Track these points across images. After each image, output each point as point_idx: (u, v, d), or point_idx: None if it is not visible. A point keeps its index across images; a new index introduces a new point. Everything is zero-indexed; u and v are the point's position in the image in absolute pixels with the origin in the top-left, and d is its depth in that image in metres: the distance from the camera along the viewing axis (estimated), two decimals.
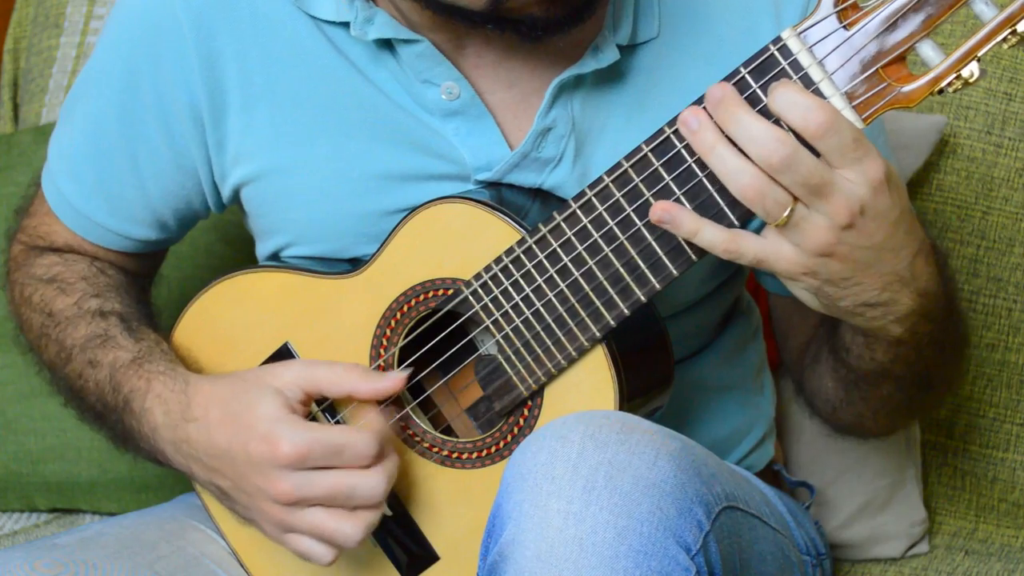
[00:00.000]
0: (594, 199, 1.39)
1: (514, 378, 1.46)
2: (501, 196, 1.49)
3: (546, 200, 1.51)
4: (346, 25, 1.51)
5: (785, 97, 1.29)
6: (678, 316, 1.55)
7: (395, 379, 1.47)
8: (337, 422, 1.53)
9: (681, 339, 1.54)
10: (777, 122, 1.30)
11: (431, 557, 1.53)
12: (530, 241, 1.42)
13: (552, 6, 1.39)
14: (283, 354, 1.55)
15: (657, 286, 1.39)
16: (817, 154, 1.29)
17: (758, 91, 1.32)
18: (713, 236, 1.34)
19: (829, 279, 1.34)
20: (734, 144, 1.31)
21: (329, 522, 1.45)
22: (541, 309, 1.43)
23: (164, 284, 1.84)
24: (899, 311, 1.39)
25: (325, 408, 1.53)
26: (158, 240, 1.66)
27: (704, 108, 1.32)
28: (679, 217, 1.34)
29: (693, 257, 1.38)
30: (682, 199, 1.36)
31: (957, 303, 1.51)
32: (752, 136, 1.29)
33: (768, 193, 1.30)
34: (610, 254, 1.40)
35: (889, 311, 1.38)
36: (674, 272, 1.39)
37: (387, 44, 1.51)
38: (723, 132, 1.31)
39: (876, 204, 1.30)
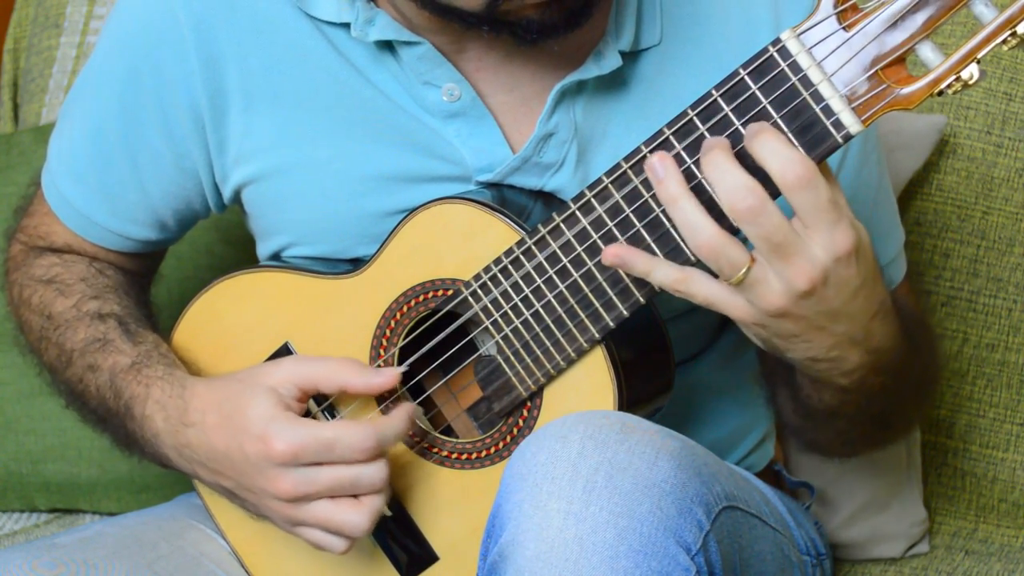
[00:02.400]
0: (593, 200, 1.39)
1: (513, 379, 1.46)
2: (503, 196, 1.49)
3: (548, 201, 1.51)
4: (347, 26, 1.51)
5: (768, 145, 1.28)
6: (678, 319, 1.55)
7: (390, 375, 1.47)
8: None
9: (681, 342, 1.54)
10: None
11: (431, 557, 1.53)
12: (529, 242, 1.42)
13: (548, 10, 1.39)
14: (283, 354, 1.55)
15: (657, 288, 1.39)
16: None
17: (757, 93, 1.32)
18: (665, 276, 1.34)
19: (778, 334, 1.34)
20: (700, 196, 1.31)
21: (336, 515, 1.45)
22: (540, 310, 1.43)
23: (164, 284, 1.84)
24: (846, 367, 1.39)
25: (325, 408, 1.53)
26: (158, 240, 1.66)
27: (669, 155, 1.32)
28: (631, 259, 1.35)
29: (692, 259, 1.37)
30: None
31: (923, 349, 1.51)
32: (725, 181, 1.28)
33: (723, 252, 1.30)
34: None
35: (835, 366, 1.38)
36: None
37: (388, 46, 1.51)
38: (688, 185, 1.31)
39: (838, 274, 1.30)
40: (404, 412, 1.47)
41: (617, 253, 1.35)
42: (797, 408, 1.51)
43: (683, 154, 1.35)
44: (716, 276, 1.33)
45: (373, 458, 1.45)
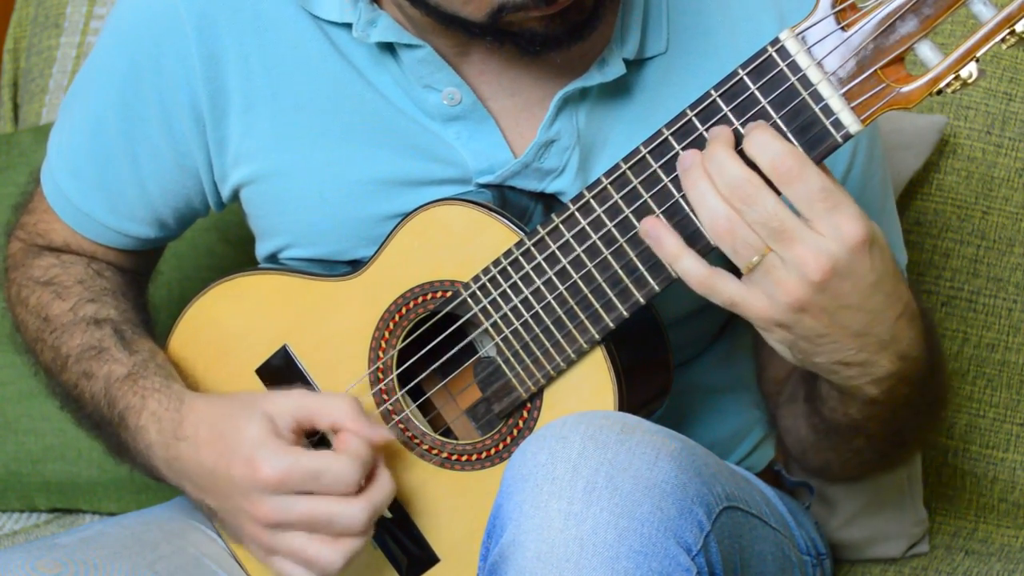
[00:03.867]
0: (592, 201, 1.39)
1: (513, 380, 1.46)
2: (504, 198, 1.49)
3: (549, 202, 1.51)
4: (349, 26, 1.50)
5: (758, 139, 1.29)
6: (677, 325, 1.54)
7: (382, 433, 1.46)
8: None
9: (680, 345, 1.53)
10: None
11: (431, 559, 1.53)
12: (528, 243, 1.42)
13: (552, 22, 1.39)
14: (281, 356, 1.55)
15: (656, 288, 1.39)
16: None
17: (756, 92, 1.32)
18: (691, 267, 1.33)
19: (803, 335, 1.33)
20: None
21: (310, 548, 1.45)
22: (540, 311, 1.43)
23: (164, 284, 1.84)
24: (877, 373, 1.38)
25: None
26: (156, 238, 1.66)
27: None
28: (663, 238, 1.34)
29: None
30: (681, 202, 1.36)
31: (940, 365, 1.50)
32: (724, 171, 1.29)
33: (739, 233, 1.30)
34: (608, 257, 1.40)
35: (866, 372, 1.37)
36: (673, 275, 1.38)
37: (389, 48, 1.50)
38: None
39: (851, 265, 1.29)
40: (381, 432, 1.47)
41: (655, 226, 1.34)
42: (817, 424, 1.50)
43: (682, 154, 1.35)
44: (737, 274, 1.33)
45: (358, 492, 1.44)
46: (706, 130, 1.33)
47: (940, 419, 1.58)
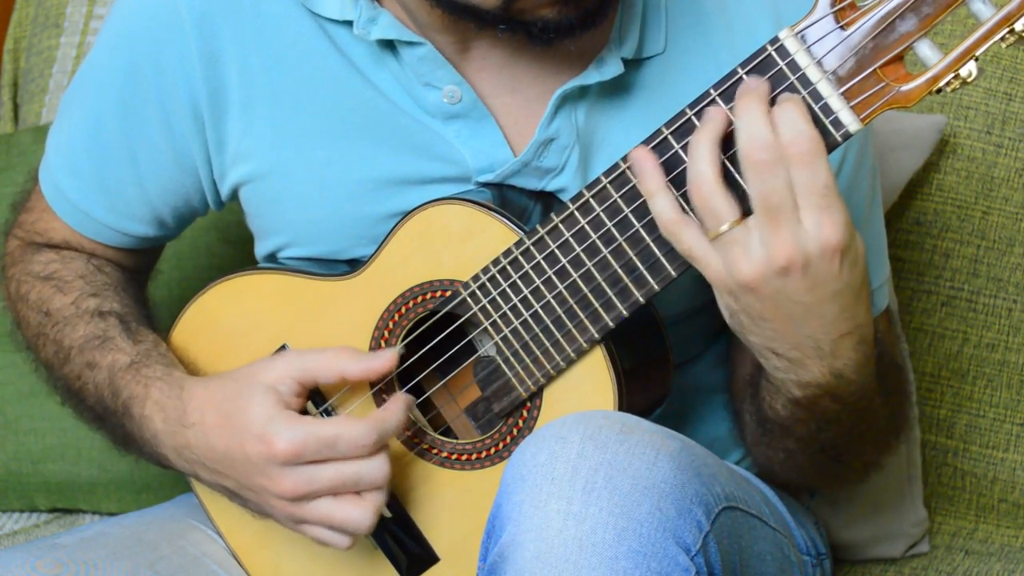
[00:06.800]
0: (592, 200, 1.39)
1: (513, 379, 1.46)
2: (504, 197, 1.49)
3: (549, 201, 1.51)
4: (349, 24, 1.50)
5: (789, 112, 1.29)
6: (677, 324, 1.54)
7: (387, 358, 1.47)
8: None
9: (679, 346, 1.53)
10: None
11: (431, 558, 1.53)
12: (528, 243, 1.42)
13: (564, 8, 1.39)
14: None
15: (656, 287, 1.39)
16: None
17: None
18: (663, 208, 1.34)
19: (746, 311, 1.34)
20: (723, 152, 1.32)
21: (338, 511, 1.45)
22: (539, 311, 1.43)
23: (164, 284, 1.84)
24: (803, 376, 1.39)
25: (323, 411, 1.53)
26: (155, 237, 1.66)
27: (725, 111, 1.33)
28: (646, 169, 1.34)
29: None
30: (680, 200, 1.36)
31: (896, 394, 1.51)
32: (753, 129, 1.29)
33: (712, 200, 1.30)
34: (608, 256, 1.40)
35: (792, 370, 1.38)
36: (672, 273, 1.38)
37: (389, 45, 1.50)
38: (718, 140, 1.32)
39: (819, 267, 1.30)
40: (401, 402, 1.47)
41: (642, 157, 1.34)
42: (754, 413, 1.50)
43: (681, 153, 1.35)
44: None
45: (374, 453, 1.45)
46: None
47: (894, 443, 1.57)
